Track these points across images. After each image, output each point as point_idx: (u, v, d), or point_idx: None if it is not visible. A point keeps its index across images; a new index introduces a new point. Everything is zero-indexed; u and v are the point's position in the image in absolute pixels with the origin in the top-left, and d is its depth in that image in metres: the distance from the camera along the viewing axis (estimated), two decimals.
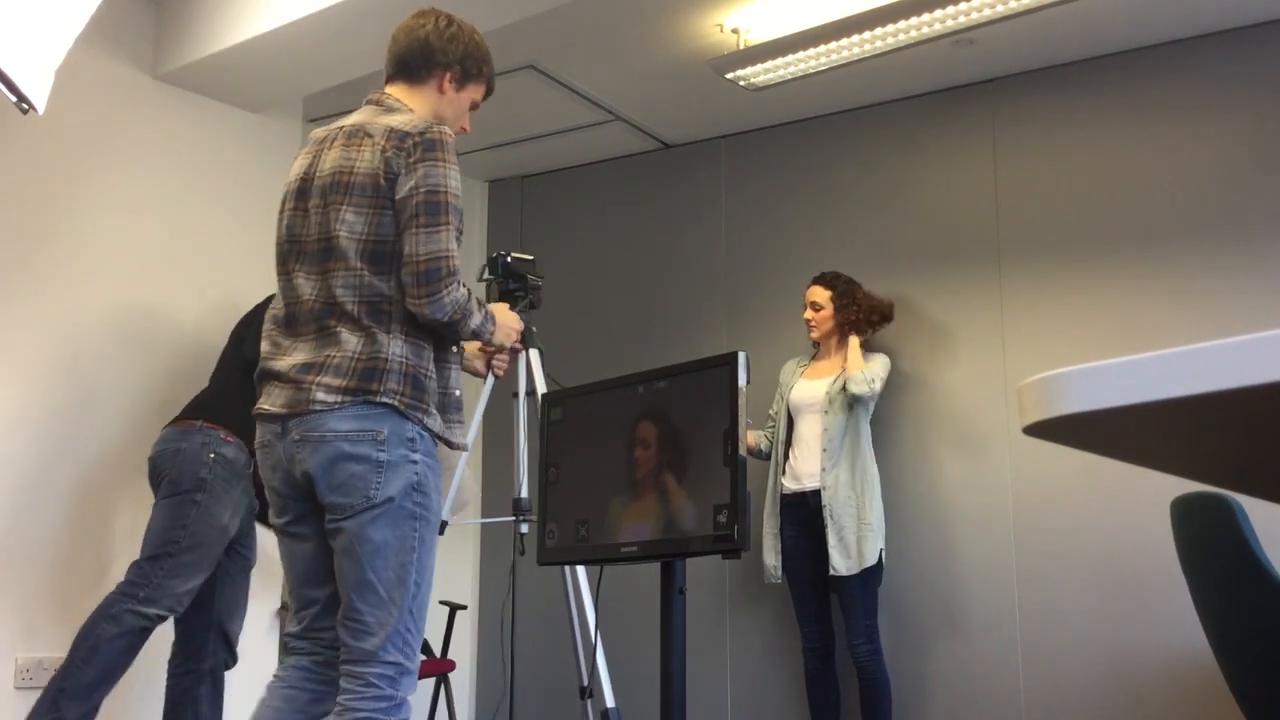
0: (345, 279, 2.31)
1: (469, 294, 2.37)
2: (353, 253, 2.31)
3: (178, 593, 3.25)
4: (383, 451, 2.26)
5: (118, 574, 3.83)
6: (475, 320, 2.39)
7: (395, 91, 2.50)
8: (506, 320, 2.67)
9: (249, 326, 3.53)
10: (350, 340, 2.29)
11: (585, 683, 3.51)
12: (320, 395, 2.26)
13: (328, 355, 2.30)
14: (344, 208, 2.32)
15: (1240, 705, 2.43)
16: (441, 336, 2.42)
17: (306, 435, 2.28)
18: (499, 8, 3.67)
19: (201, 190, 4.26)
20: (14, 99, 2.79)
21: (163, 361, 4.06)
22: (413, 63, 2.50)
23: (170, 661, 3.50)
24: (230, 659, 3.52)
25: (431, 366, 2.38)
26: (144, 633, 3.24)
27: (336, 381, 2.27)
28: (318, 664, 2.42)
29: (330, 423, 2.26)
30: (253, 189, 4.37)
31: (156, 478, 3.37)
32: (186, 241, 4.21)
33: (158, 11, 4.24)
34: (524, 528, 3.54)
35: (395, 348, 2.30)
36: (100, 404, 3.88)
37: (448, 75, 2.51)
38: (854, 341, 4.31)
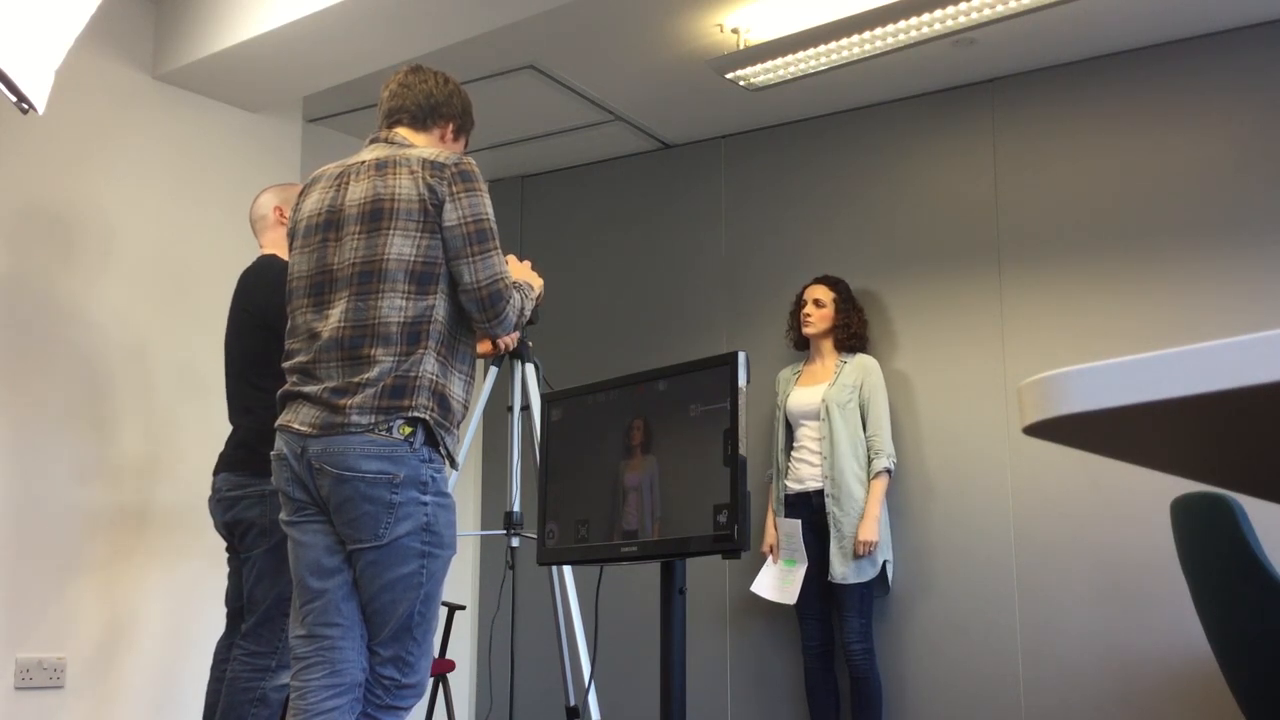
0: (392, 300, 2.40)
1: (518, 296, 2.53)
2: (401, 275, 2.41)
3: None
4: (395, 494, 2.35)
5: (118, 574, 3.83)
6: (528, 309, 2.59)
7: (404, 133, 2.63)
8: (531, 278, 2.81)
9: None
10: (384, 362, 2.38)
11: (572, 702, 3.48)
12: (355, 418, 2.35)
13: (362, 378, 2.37)
14: (391, 232, 2.42)
15: (1240, 705, 2.43)
16: (461, 347, 2.52)
17: (325, 466, 2.35)
18: (499, 8, 3.68)
19: (201, 190, 4.26)
20: (14, 99, 2.79)
21: (163, 359, 4.06)
22: (419, 113, 2.64)
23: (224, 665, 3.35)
24: None
25: (454, 386, 2.48)
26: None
27: (369, 403, 2.35)
28: (329, 674, 2.38)
29: (351, 459, 2.34)
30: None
31: (239, 527, 3.13)
32: (186, 240, 4.21)
33: (157, 11, 4.24)
34: (515, 541, 3.52)
35: (428, 364, 2.41)
36: (100, 402, 3.88)
37: (451, 126, 2.69)
38: (876, 491, 4.21)
